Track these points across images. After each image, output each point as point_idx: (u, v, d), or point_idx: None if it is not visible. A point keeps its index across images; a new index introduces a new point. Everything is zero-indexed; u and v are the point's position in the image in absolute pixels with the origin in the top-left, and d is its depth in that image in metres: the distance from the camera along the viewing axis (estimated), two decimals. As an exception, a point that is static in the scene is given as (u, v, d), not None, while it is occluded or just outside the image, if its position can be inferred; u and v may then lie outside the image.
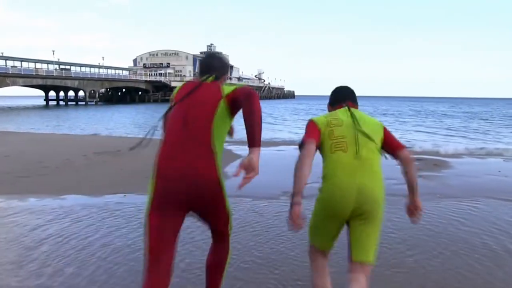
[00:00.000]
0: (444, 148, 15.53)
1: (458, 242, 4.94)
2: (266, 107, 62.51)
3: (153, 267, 2.46)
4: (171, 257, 2.53)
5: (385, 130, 2.88)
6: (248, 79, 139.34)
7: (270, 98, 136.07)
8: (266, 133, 23.08)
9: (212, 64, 2.88)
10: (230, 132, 2.80)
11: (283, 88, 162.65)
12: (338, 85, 3.18)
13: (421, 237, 5.14)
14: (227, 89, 2.63)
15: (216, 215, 2.71)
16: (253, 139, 2.40)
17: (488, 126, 30.98)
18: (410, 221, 3.12)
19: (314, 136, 2.74)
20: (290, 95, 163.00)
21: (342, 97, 3.04)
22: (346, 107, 2.90)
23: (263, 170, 7.26)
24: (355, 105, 3.02)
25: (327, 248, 2.85)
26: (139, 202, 6.75)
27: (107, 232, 5.28)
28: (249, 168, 2.33)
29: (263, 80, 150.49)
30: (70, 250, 4.63)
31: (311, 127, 2.81)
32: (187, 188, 2.46)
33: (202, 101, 2.61)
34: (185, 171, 2.45)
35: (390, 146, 2.91)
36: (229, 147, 13.75)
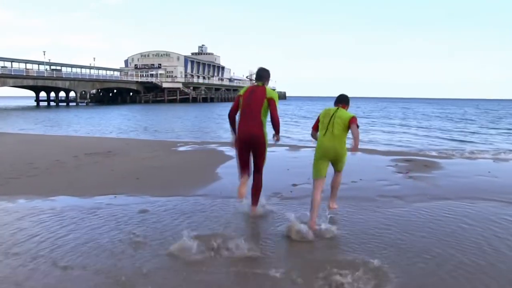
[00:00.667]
0: (434, 149, 15.64)
1: (446, 241, 4.97)
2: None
3: (242, 169, 5.81)
4: (248, 166, 5.80)
5: (351, 119, 5.44)
6: (240, 80, 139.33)
7: None
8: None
9: (262, 74, 5.93)
10: (274, 122, 5.67)
11: (274, 89, 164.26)
12: (340, 93, 5.90)
13: (409, 237, 5.15)
14: (269, 93, 5.70)
15: (260, 156, 5.80)
16: (277, 131, 5.75)
17: (474, 127, 31.18)
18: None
19: (315, 124, 5.82)
20: (281, 96, 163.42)
21: (339, 101, 5.81)
22: (338, 107, 5.70)
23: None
24: (346, 106, 5.78)
25: (320, 176, 5.61)
26: (129, 202, 6.73)
27: (93, 232, 5.24)
28: (278, 139, 5.82)
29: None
30: (55, 249, 4.60)
31: (317, 119, 5.79)
32: (249, 139, 5.63)
33: (256, 99, 5.65)
34: (250, 132, 5.59)
35: (349, 128, 5.44)
36: (221, 148, 13.76)
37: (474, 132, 25.94)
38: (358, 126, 5.40)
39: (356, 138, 5.33)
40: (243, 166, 5.82)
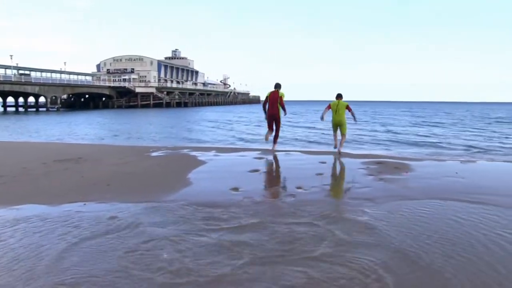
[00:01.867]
0: (406, 151, 15.89)
1: (412, 240, 5.04)
2: (224, 115, 62.95)
3: (269, 129, 14.00)
4: (272, 128, 13.95)
5: (347, 105, 13.25)
6: (214, 84, 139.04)
7: (235, 103, 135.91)
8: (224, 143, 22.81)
9: (277, 84, 13.83)
10: (283, 107, 13.75)
11: (248, 93, 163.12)
12: (338, 92, 13.76)
13: (377, 237, 5.21)
14: (280, 93, 13.62)
15: (277, 124, 13.99)
16: (284, 111, 13.85)
17: (444, 130, 31.81)
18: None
19: (328, 107, 13.42)
20: (255, 100, 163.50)
21: (339, 96, 13.53)
22: (339, 100, 13.46)
23: (221, 176, 7.01)
24: (341, 98, 13.50)
25: (335, 132, 13.69)
26: (99, 210, 6.61)
27: (60, 242, 5.13)
28: (285, 114, 14.08)
29: (228, 86, 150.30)
30: (18, 263, 4.48)
31: (328, 105, 13.47)
32: (273, 116, 13.72)
33: (275, 96, 13.63)
34: (272, 113, 13.68)
35: (347, 109, 13.26)
36: (194, 153, 13.69)
37: (446, 134, 26.50)
38: (351, 108, 13.23)
39: (353, 113, 13.30)
40: (270, 128, 13.96)
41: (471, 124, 40.04)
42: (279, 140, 14.61)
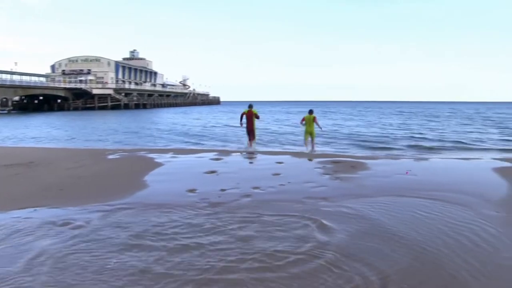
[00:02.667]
0: (363, 151, 16.26)
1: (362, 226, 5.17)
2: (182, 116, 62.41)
3: (249, 137, 17.07)
4: (252, 137, 17.02)
5: (314, 118, 15.98)
6: (173, 85, 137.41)
7: (195, 104, 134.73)
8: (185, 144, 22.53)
9: (251, 104, 17.01)
10: (257, 117, 17.06)
11: (208, 94, 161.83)
12: (309, 109, 16.76)
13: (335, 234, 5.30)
14: (255, 111, 16.84)
15: (254, 133, 17.05)
16: (257, 118, 17.18)
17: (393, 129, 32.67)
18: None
19: (303, 120, 16.22)
20: (215, 101, 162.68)
21: (310, 111, 16.19)
22: (310, 114, 16.03)
23: (178, 178, 6.93)
24: (312, 113, 16.10)
25: (307, 139, 16.23)
26: (50, 216, 6.41)
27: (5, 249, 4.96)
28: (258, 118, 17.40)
29: (187, 87, 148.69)
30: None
31: (303, 118, 16.30)
32: (251, 130, 16.86)
33: (250, 115, 16.64)
34: (251, 128, 16.80)
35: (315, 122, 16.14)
36: (151, 155, 13.51)
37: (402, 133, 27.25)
38: (317, 120, 16.06)
39: (318, 124, 16.12)
40: (250, 136, 16.80)
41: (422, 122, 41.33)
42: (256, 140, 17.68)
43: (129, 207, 6.90)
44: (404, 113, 68.84)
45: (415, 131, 28.82)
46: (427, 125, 36.16)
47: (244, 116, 16.83)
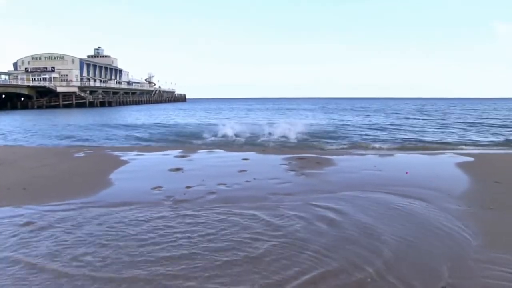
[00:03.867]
0: (329, 147, 16.52)
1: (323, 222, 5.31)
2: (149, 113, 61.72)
3: None
4: None
5: None
6: (138, 82, 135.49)
7: (161, 101, 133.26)
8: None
9: None
10: None
11: (174, 92, 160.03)
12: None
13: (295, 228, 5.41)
14: None
15: None
16: None
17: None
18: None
19: None
20: (181, 99, 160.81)
21: None
22: None
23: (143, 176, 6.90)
24: None
25: None
26: (12, 215, 6.30)
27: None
28: None
29: (153, 84, 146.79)
30: None
31: None
32: None
33: None
34: None
35: None
36: (117, 153, 13.37)
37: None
38: None
39: None
40: None
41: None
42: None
43: (93, 205, 6.84)
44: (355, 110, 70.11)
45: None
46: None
47: None
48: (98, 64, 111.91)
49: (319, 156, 12.33)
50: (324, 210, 6.47)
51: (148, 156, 12.87)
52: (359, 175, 9.40)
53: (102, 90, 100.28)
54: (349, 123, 32.96)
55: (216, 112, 60.50)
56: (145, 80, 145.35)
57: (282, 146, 16.30)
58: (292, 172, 9.63)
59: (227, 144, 17.15)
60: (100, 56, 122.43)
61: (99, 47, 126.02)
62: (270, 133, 20.56)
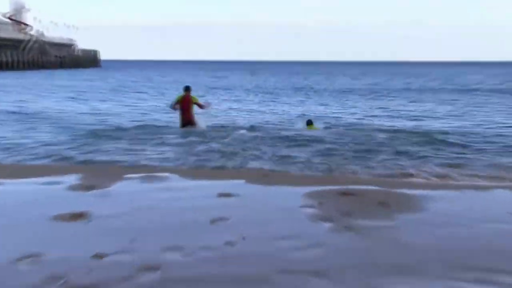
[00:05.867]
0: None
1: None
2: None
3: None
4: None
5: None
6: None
7: (43, 66, 72.36)
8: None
9: (187, 86, 12.91)
10: (201, 106, 12.80)
11: (71, 45, 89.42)
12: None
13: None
14: (194, 97, 12.79)
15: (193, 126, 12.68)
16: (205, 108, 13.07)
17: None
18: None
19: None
20: (89, 59, 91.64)
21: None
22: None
23: None
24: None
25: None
26: None
27: None
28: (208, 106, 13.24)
29: (26, 26, 78.13)
30: None
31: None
32: (188, 122, 12.71)
33: (187, 102, 12.62)
34: (188, 118, 12.71)
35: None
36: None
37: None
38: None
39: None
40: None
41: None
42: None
43: None
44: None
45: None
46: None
47: (177, 105, 12.90)
48: None
49: (387, 190, 6.32)
50: None
51: (11, 186, 6.61)
52: (479, 233, 4.52)
53: None
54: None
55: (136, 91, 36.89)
56: (7, 18, 75.11)
57: (306, 165, 8.64)
58: (327, 224, 4.67)
59: (187, 160, 9.11)
60: None
61: None
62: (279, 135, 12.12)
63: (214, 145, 10.33)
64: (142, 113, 19.49)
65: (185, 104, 12.55)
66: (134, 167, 8.22)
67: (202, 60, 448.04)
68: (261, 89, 38.84)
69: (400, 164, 8.75)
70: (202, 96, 21.61)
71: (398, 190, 6.28)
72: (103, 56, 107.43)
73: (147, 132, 12.68)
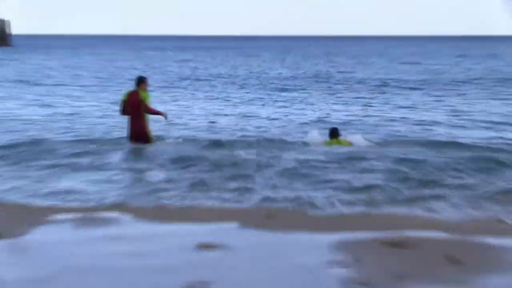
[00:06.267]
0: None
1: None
2: None
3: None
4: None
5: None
6: None
7: None
8: None
9: (140, 77, 8.63)
10: (150, 111, 8.44)
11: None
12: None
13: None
14: (143, 96, 8.30)
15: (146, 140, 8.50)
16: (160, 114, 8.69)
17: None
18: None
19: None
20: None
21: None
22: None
23: None
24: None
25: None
26: None
27: None
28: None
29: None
30: None
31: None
32: (138, 136, 8.45)
33: (136, 104, 8.20)
34: (137, 130, 8.39)
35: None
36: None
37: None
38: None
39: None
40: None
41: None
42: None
43: None
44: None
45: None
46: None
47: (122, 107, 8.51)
48: None
49: (458, 238, 4.27)
50: None
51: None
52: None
53: None
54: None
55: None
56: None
57: (329, 201, 5.55)
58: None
59: (142, 193, 6.06)
60: None
61: None
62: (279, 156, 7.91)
63: (184, 172, 6.95)
64: (70, 120, 12.90)
65: (132, 107, 8.36)
66: (63, 205, 5.46)
67: (170, 35, 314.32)
68: (262, 79, 26.85)
69: (482, 204, 5.57)
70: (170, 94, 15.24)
71: (476, 239, 4.17)
72: (15, 30, 74.39)
73: (79, 149, 8.41)
